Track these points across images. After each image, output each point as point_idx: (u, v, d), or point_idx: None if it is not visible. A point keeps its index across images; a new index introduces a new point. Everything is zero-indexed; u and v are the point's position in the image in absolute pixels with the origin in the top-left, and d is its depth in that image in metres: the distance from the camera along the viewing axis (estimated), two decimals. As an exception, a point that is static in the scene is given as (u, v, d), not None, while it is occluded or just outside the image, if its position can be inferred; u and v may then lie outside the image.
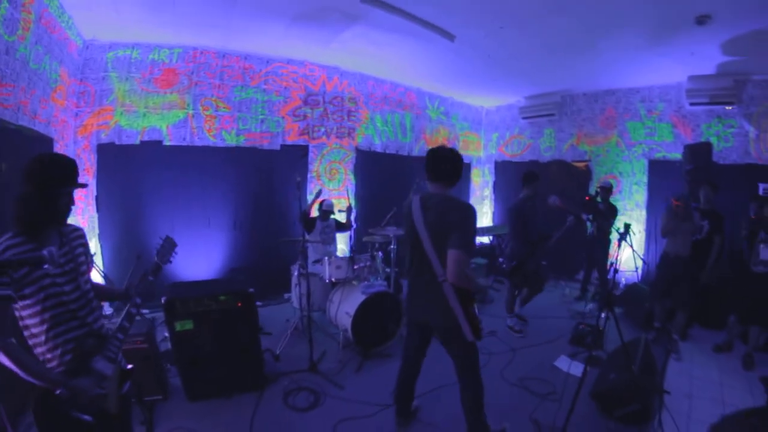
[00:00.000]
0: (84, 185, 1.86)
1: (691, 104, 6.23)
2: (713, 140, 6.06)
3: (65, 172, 1.78)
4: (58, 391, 1.63)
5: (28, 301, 1.68)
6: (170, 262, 2.19)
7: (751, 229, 4.38)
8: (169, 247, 2.17)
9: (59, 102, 3.94)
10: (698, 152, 5.71)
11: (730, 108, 5.98)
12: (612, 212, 6.01)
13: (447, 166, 2.73)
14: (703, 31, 4.37)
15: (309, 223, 5.46)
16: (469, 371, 2.87)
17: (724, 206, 5.03)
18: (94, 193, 4.51)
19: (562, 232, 5.52)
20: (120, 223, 4.76)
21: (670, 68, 5.80)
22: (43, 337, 1.75)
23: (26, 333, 1.75)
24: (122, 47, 4.61)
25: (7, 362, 1.59)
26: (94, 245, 4.48)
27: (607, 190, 6.07)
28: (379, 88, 7.22)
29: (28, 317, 1.72)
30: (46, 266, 1.54)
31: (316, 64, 6.30)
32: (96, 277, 4.24)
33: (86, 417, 1.69)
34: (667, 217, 4.66)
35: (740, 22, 4.15)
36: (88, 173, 4.43)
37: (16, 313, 1.72)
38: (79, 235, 1.97)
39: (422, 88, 7.89)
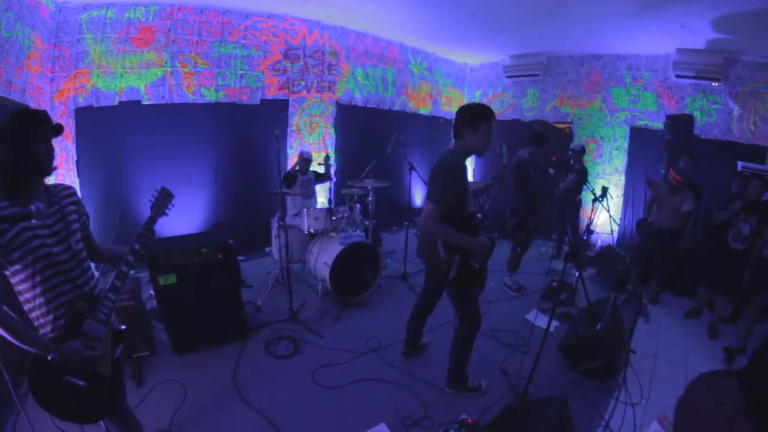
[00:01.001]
0: (58, 127, 1.74)
1: (677, 76, 6.28)
2: (696, 114, 6.21)
3: (31, 119, 1.68)
4: (50, 357, 1.62)
5: (17, 266, 1.64)
6: (166, 214, 2.07)
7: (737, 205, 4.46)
8: (164, 198, 2.04)
9: (33, 69, 3.91)
10: (680, 123, 5.88)
11: (717, 84, 6.05)
12: (583, 174, 6.18)
13: (456, 120, 2.85)
14: (695, 5, 4.36)
15: (290, 180, 5.64)
16: (462, 321, 3.08)
17: (701, 179, 5.22)
18: (74, 158, 4.52)
19: (563, 188, 5.67)
20: (102, 185, 4.81)
21: (659, 39, 5.82)
22: (36, 302, 1.73)
23: (21, 298, 1.74)
24: (96, 7, 4.51)
25: (11, 331, 1.56)
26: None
27: (578, 152, 6.24)
28: (360, 42, 7.16)
29: (20, 282, 1.70)
30: (33, 221, 1.47)
31: (297, 18, 6.23)
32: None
33: (79, 382, 1.71)
34: (656, 189, 4.81)
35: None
36: (67, 138, 4.44)
37: (10, 279, 1.69)
38: (69, 193, 1.91)
39: (405, 42, 7.82)
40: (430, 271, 3.34)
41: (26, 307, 1.76)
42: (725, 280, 4.47)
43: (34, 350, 1.64)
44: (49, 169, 1.73)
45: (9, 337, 1.57)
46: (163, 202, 2.04)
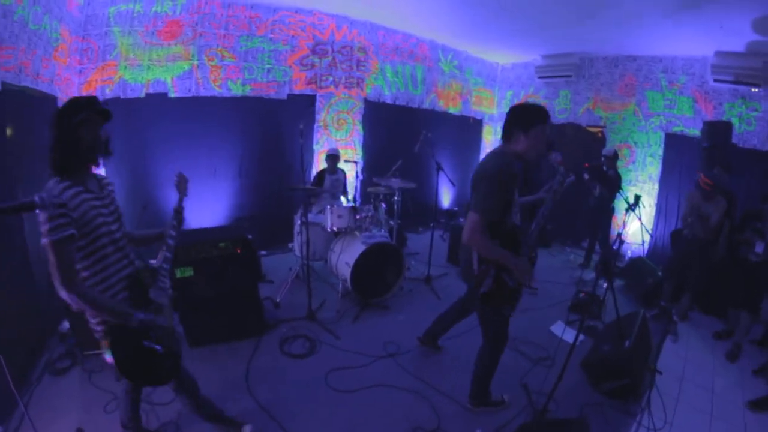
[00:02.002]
0: (105, 111, 1.84)
1: (715, 81, 5.93)
2: (734, 121, 5.82)
3: (78, 104, 1.78)
4: (132, 324, 1.78)
5: (82, 242, 1.75)
6: (186, 194, 2.31)
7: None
8: (182, 180, 2.30)
9: (61, 60, 3.94)
10: (718, 130, 5.53)
11: (757, 90, 5.67)
12: (617, 181, 5.89)
13: (506, 119, 2.59)
14: (736, 4, 4.09)
15: (318, 182, 5.66)
16: (488, 338, 2.91)
17: (738, 190, 4.97)
18: (100, 149, 4.55)
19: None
20: (126, 176, 4.83)
21: (696, 40, 5.52)
22: (97, 277, 1.84)
23: (82, 275, 1.80)
24: (124, 2, 4.54)
25: (82, 305, 1.68)
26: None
27: (610, 158, 5.97)
28: (390, 38, 7.06)
29: (83, 258, 1.79)
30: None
31: (325, 13, 6.16)
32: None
33: (157, 347, 1.86)
34: (691, 199, 4.56)
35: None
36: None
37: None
38: (110, 183, 2.06)
39: (435, 40, 7.68)
40: (469, 287, 3.13)
41: (87, 283, 1.81)
42: (747, 295, 4.16)
43: (117, 320, 1.79)
44: (93, 155, 1.84)
45: (96, 311, 1.75)
46: (182, 184, 2.30)
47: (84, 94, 4.28)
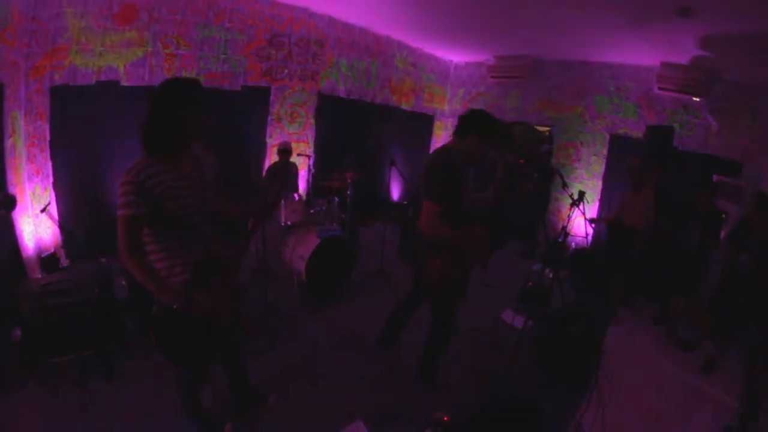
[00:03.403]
0: (204, 96, 1.92)
1: (660, 89, 6.41)
2: (676, 126, 6.34)
3: (179, 85, 1.87)
4: (175, 306, 1.79)
5: (152, 219, 1.82)
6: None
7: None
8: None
9: (9, 43, 3.71)
10: (659, 134, 6.04)
11: (698, 100, 6.20)
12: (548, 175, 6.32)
13: (463, 119, 2.82)
14: (683, 23, 4.44)
15: (270, 175, 5.63)
16: (436, 319, 3.10)
17: (677, 189, 5.42)
18: (47, 138, 4.33)
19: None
20: (76, 168, 4.61)
21: (644, 51, 5.94)
22: (163, 254, 1.90)
23: (148, 249, 1.88)
24: None
25: (138, 274, 1.77)
26: (47, 194, 4.41)
27: (545, 154, 6.40)
28: (348, 32, 7.09)
29: (152, 234, 1.86)
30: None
31: (285, 3, 6.10)
32: (52, 227, 4.25)
33: (199, 327, 1.90)
34: (623, 198, 5.05)
35: (720, 21, 4.25)
36: (41, 118, 4.24)
37: (145, 231, 1.84)
38: (212, 164, 2.15)
39: (391, 36, 7.77)
40: (417, 275, 3.26)
41: (152, 258, 1.88)
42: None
43: (164, 296, 1.81)
44: (193, 138, 1.95)
45: (146, 282, 1.78)
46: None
47: (31, 80, 4.06)
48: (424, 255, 2.85)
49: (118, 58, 4.69)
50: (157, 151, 1.85)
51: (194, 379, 2.37)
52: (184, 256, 1.93)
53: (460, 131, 2.81)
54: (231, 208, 2.36)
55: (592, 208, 7.20)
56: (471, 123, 2.77)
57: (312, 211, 5.07)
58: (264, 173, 6.03)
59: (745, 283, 3.87)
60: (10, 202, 1.76)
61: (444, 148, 2.85)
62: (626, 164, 4.91)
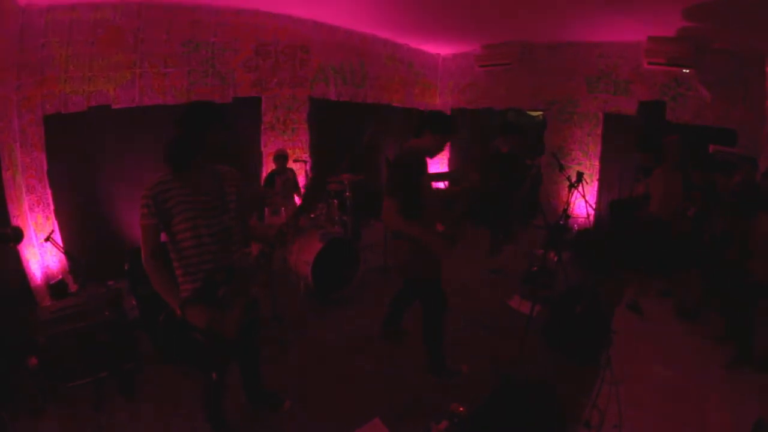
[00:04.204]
0: (225, 122, 2.07)
1: (650, 63, 6.38)
2: (668, 100, 6.36)
3: (203, 111, 2.02)
4: (178, 312, 1.90)
5: (171, 231, 1.99)
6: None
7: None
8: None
9: (-2, 76, 3.75)
10: (652, 109, 6.04)
11: (688, 71, 6.18)
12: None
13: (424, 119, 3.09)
14: None
15: (269, 183, 5.63)
16: (426, 311, 3.21)
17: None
18: (45, 168, 4.37)
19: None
20: (75, 194, 4.65)
21: (630, 27, 5.91)
22: (177, 264, 2.06)
23: (172, 257, 2.06)
24: (61, 9, 4.31)
25: (152, 279, 1.94)
26: (50, 223, 4.46)
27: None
28: (332, 35, 7.11)
29: (171, 244, 2.03)
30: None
31: (268, 12, 6.13)
32: (57, 254, 4.29)
33: (200, 337, 1.94)
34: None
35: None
36: (37, 148, 4.30)
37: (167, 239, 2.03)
38: (233, 176, 2.26)
39: (377, 35, 7.78)
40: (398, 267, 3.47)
41: (174, 265, 2.07)
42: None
43: (169, 302, 1.94)
44: (208, 156, 2.05)
45: (156, 287, 1.94)
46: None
47: (24, 111, 4.10)
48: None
49: (107, 82, 4.73)
50: (180, 168, 1.99)
51: (210, 383, 2.43)
52: (195, 265, 2.05)
53: (418, 130, 3.07)
54: (263, 231, 2.52)
55: (591, 189, 7.19)
56: (426, 123, 3.05)
57: (312, 215, 5.10)
58: (262, 182, 6.06)
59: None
60: (18, 235, 1.87)
61: (408, 148, 3.08)
62: (664, 141, 4.77)
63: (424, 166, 3.01)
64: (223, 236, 2.12)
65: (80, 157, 4.64)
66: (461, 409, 2.85)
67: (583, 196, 5.12)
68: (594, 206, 7.01)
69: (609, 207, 6.62)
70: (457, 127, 3.10)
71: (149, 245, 1.95)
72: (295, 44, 6.64)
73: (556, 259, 4.87)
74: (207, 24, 5.54)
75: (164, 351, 2.09)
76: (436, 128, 3.01)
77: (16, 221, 3.88)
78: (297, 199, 5.94)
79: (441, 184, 8.67)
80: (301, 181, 6.60)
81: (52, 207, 4.47)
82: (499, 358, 3.63)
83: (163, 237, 2.01)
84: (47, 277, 4.27)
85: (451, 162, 9.69)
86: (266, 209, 5.58)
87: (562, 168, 6.14)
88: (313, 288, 4.63)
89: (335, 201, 5.78)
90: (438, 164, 9.47)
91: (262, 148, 6.57)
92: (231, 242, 2.17)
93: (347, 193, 5.75)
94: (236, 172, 2.29)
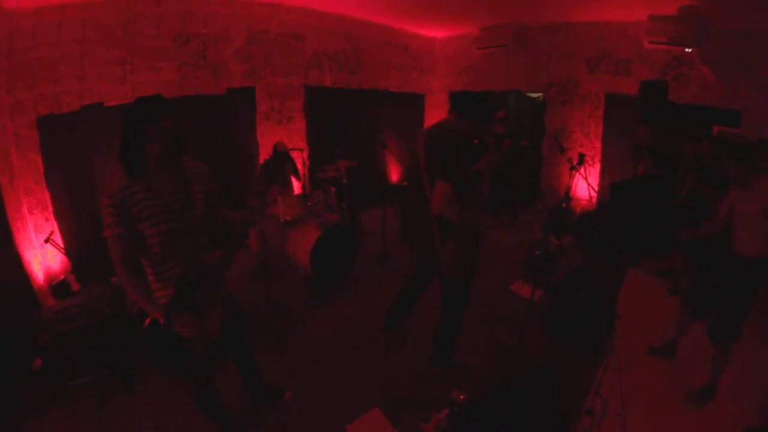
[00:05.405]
0: (164, 109, 1.92)
1: (650, 42, 6.18)
2: (670, 80, 6.17)
3: (142, 108, 1.89)
4: (162, 321, 1.88)
5: (141, 236, 1.92)
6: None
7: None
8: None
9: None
10: (654, 90, 5.91)
11: (690, 50, 6.01)
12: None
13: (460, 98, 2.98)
14: None
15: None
16: (447, 304, 3.16)
17: (677, 143, 5.17)
18: (41, 170, 4.37)
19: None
20: (73, 196, 4.65)
21: (629, 5, 5.78)
22: (151, 270, 2.01)
23: (143, 264, 2.01)
24: (49, 10, 4.25)
25: (127, 289, 1.92)
26: (49, 224, 4.47)
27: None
28: (325, 22, 7.01)
29: (141, 252, 1.97)
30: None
31: (259, 2, 6.06)
32: (58, 255, 4.32)
33: (189, 345, 1.93)
34: None
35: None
36: (32, 151, 4.29)
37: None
38: (201, 174, 2.16)
39: (372, 20, 7.66)
40: (423, 256, 3.34)
41: (146, 271, 2.02)
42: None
43: (151, 311, 1.92)
44: (172, 154, 1.95)
45: (134, 297, 1.93)
46: None
47: (16, 114, 4.10)
48: (433, 238, 2.89)
49: (98, 80, 4.69)
50: (134, 172, 1.91)
51: (199, 384, 2.46)
52: (167, 270, 2.01)
53: (463, 111, 2.92)
54: (227, 216, 2.40)
55: (592, 170, 7.13)
56: (472, 105, 2.91)
57: (310, 203, 5.10)
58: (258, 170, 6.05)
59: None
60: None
61: (443, 126, 3.00)
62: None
63: (460, 145, 2.86)
64: (191, 238, 2.08)
65: (76, 156, 4.63)
66: (461, 397, 2.88)
67: (585, 178, 5.08)
68: (596, 188, 6.94)
69: (610, 189, 6.55)
70: (488, 111, 3.01)
71: (119, 255, 1.90)
72: (288, 32, 6.56)
73: (556, 242, 4.86)
74: (197, 15, 5.46)
75: (151, 359, 2.05)
76: (462, 110, 2.91)
77: (14, 224, 3.92)
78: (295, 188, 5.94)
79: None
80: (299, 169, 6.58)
81: (50, 208, 4.48)
82: (500, 345, 3.67)
83: None
84: (49, 278, 4.32)
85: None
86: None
87: (563, 150, 6.12)
88: (313, 277, 4.65)
89: (332, 188, 5.78)
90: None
91: (258, 139, 6.54)
92: (200, 243, 2.13)
93: (344, 180, 5.73)
94: (205, 170, 2.20)
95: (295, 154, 6.29)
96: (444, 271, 2.96)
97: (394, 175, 8.68)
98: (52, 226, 4.45)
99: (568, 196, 5.31)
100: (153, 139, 1.88)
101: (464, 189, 2.74)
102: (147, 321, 1.98)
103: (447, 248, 2.87)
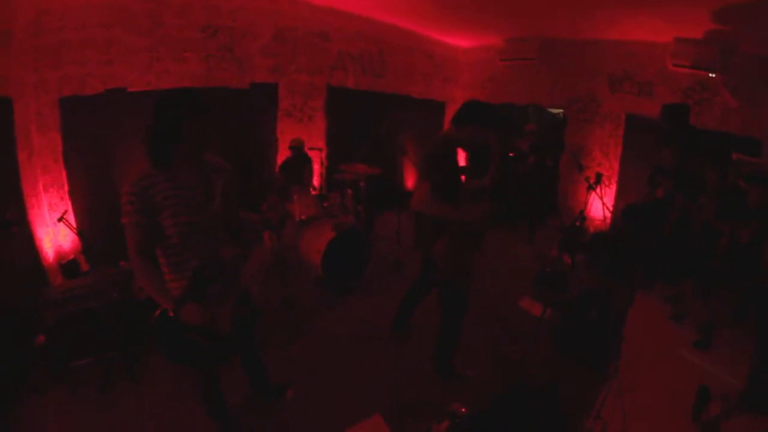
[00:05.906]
0: (206, 110, 1.94)
1: (674, 65, 6.12)
2: (692, 104, 6.04)
3: (178, 102, 1.89)
4: (171, 313, 1.85)
5: (159, 227, 1.92)
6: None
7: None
8: None
9: (15, 59, 3.77)
10: (676, 113, 5.82)
11: (713, 76, 5.91)
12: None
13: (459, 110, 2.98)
14: None
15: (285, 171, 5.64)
16: (446, 311, 3.14)
17: (696, 169, 5.06)
18: (60, 149, 4.38)
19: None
20: (89, 177, 4.66)
21: (657, 26, 5.69)
22: (165, 261, 2.01)
23: (158, 254, 2.01)
24: None
25: (139, 277, 1.89)
26: (64, 203, 4.49)
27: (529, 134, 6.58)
28: (352, 23, 7.01)
29: (159, 242, 1.96)
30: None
31: (286, -1, 6.08)
32: (70, 234, 4.34)
33: (197, 337, 1.90)
34: None
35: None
36: (53, 129, 4.31)
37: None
38: (223, 171, 2.18)
39: (398, 24, 7.64)
40: (426, 261, 3.34)
41: (160, 262, 2.01)
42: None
43: (161, 302, 1.90)
44: (199, 149, 1.99)
45: (145, 286, 1.89)
46: None
47: (41, 93, 4.14)
48: (429, 238, 2.93)
49: (123, 66, 4.72)
50: (161, 163, 1.92)
51: (205, 378, 2.43)
52: (183, 262, 2.00)
53: (455, 119, 2.97)
54: (248, 215, 2.46)
55: (608, 191, 7.00)
56: (469, 113, 2.92)
57: (326, 204, 5.07)
58: (277, 169, 6.05)
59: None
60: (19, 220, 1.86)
61: (437, 135, 3.14)
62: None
63: (454, 154, 2.99)
64: (210, 231, 2.09)
65: (95, 139, 4.65)
66: (463, 410, 2.83)
67: (601, 198, 4.99)
68: (611, 209, 6.82)
69: (623, 212, 6.44)
70: (496, 119, 2.98)
71: (135, 243, 1.88)
72: (315, 31, 6.57)
73: (569, 261, 4.77)
74: (224, 9, 5.48)
75: (160, 350, 2.02)
76: (468, 119, 2.92)
77: (29, 201, 3.96)
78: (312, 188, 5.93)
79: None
80: (316, 170, 6.58)
81: (66, 187, 4.49)
82: (505, 360, 3.60)
83: None
84: (59, 257, 4.33)
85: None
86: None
87: (581, 168, 6.03)
88: (324, 277, 4.62)
89: (349, 191, 5.75)
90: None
91: (279, 135, 6.54)
92: (218, 237, 2.14)
93: (362, 183, 5.71)
94: (227, 165, 2.22)
95: (313, 154, 6.30)
96: (438, 273, 3.00)
97: (411, 181, 8.64)
98: (66, 205, 4.46)
99: (582, 215, 5.22)
100: (189, 137, 1.90)
101: (444, 198, 2.79)
102: (158, 312, 1.96)
103: (438, 248, 2.89)
